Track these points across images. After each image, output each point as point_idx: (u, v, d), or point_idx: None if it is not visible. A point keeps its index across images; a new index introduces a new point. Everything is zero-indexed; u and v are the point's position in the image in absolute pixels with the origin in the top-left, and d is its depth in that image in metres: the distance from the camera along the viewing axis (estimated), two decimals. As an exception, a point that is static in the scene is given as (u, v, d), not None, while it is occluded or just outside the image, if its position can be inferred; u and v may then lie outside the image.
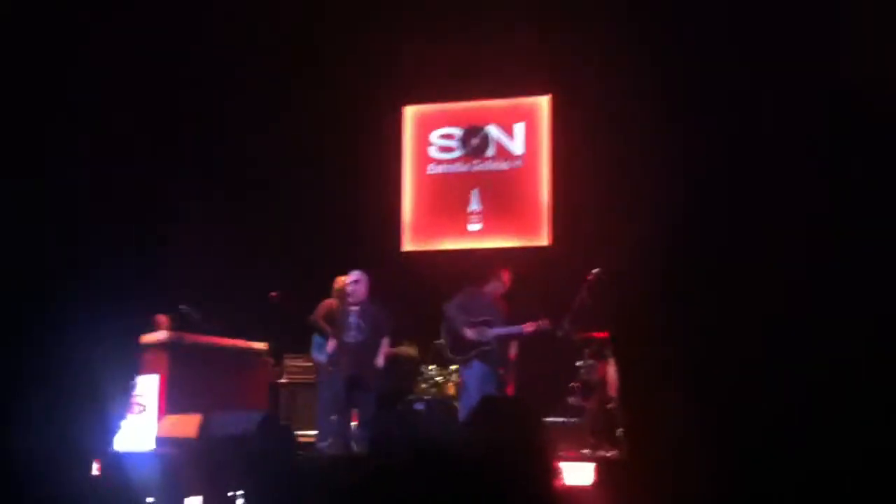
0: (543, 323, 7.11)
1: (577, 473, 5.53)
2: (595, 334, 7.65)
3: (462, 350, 7.24)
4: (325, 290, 7.68)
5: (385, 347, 7.15)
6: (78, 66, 6.06)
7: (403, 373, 8.12)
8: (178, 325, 7.69)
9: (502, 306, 7.37)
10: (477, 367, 7.19)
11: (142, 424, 6.75)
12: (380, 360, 7.08)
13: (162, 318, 7.83)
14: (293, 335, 8.03)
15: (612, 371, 7.31)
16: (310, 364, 8.03)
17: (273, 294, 7.54)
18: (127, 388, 6.54)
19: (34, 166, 5.13)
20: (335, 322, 7.25)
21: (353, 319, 7.08)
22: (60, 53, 5.88)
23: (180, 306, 7.78)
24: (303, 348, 8.02)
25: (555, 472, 2.14)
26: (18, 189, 4.62)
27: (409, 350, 8.23)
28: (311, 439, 7.44)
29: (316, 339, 7.67)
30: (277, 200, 9.26)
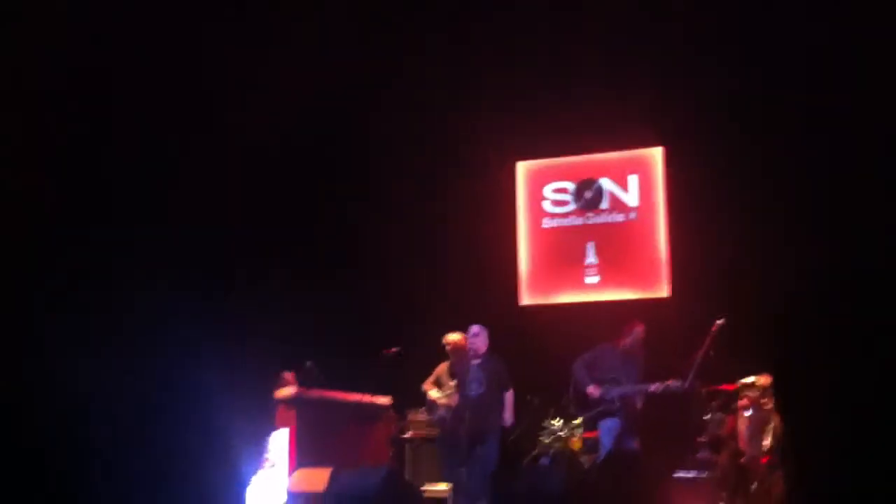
0: (672, 383, 7.03)
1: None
2: (722, 386, 7.48)
3: (586, 408, 7.28)
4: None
5: (510, 402, 7.17)
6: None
7: (528, 426, 8.11)
8: (304, 380, 7.92)
9: (639, 361, 7.32)
10: (609, 422, 7.18)
11: (273, 479, 6.96)
12: (507, 417, 7.12)
13: (289, 375, 8.07)
14: (416, 390, 8.14)
15: (742, 424, 7.11)
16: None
17: (390, 350, 7.68)
18: (260, 445, 6.73)
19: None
20: (454, 378, 7.30)
21: (473, 373, 7.14)
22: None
23: (306, 362, 8.02)
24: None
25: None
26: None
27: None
28: (436, 494, 7.50)
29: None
30: (396, 258, 9.47)
